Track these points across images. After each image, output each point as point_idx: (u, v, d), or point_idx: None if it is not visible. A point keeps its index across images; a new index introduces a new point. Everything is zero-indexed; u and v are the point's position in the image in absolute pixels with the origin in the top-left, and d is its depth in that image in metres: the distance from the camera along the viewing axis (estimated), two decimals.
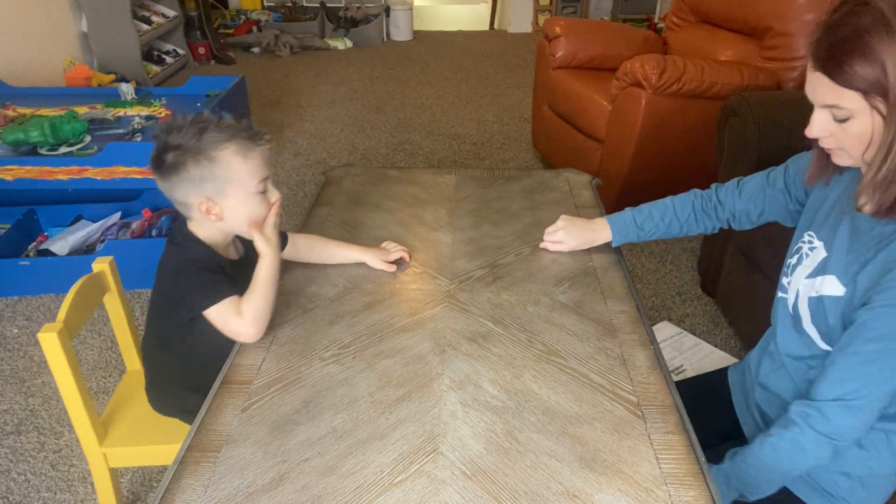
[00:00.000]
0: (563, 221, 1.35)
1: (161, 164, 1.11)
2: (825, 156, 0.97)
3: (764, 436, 0.97)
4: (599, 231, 1.33)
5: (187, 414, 1.30)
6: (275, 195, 1.18)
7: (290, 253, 1.35)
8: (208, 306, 1.10)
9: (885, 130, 0.83)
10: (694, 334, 2.08)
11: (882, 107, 0.82)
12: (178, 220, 1.24)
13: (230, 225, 1.18)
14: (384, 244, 1.37)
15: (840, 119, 0.86)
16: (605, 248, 1.38)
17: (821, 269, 0.99)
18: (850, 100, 0.83)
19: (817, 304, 0.98)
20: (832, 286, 0.95)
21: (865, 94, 0.82)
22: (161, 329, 1.28)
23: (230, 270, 1.20)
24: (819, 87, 0.86)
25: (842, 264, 0.95)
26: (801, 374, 1.03)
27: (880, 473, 1.00)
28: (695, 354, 1.97)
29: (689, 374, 1.90)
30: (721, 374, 1.27)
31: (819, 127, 0.89)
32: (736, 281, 2.04)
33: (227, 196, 1.13)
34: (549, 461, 0.87)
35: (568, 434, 0.92)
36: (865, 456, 0.99)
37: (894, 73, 0.79)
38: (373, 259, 1.32)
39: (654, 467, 0.87)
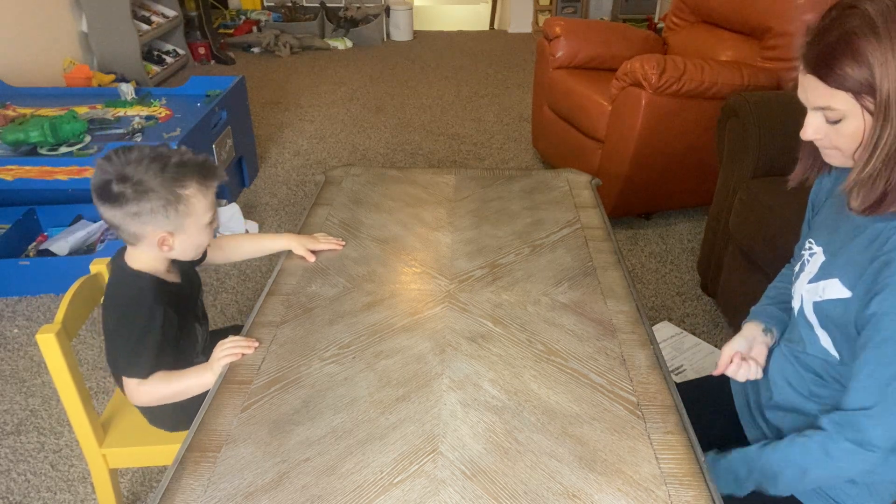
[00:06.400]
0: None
1: (109, 194, 1.09)
2: (810, 157, 1.01)
3: (797, 434, 0.96)
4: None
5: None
6: (217, 221, 1.21)
7: (218, 256, 1.38)
8: (128, 374, 1.15)
9: (872, 128, 0.85)
10: (694, 334, 2.08)
11: (871, 106, 0.84)
12: (116, 254, 1.25)
13: (176, 255, 1.19)
14: (316, 234, 1.39)
15: (832, 120, 0.89)
16: (605, 247, 1.38)
17: (822, 274, 0.99)
18: (842, 101, 0.86)
19: (822, 308, 0.98)
20: (836, 289, 0.96)
21: (856, 94, 0.84)
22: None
23: (175, 298, 1.22)
24: (811, 90, 0.89)
25: (840, 266, 0.96)
26: (809, 380, 1.03)
27: (887, 480, 0.99)
28: (695, 354, 1.97)
29: (689, 374, 1.90)
30: (721, 376, 1.26)
31: (813, 129, 0.92)
32: (736, 281, 2.04)
33: (184, 231, 1.15)
34: (549, 461, 0.87)
35: (568, 434, 0.92)
36: None
37: (881, 73, 0.82)
38: (297, 245, 1.34)
39: (654, 467, 0.87)
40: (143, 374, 1.15)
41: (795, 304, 1.06)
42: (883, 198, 0.88)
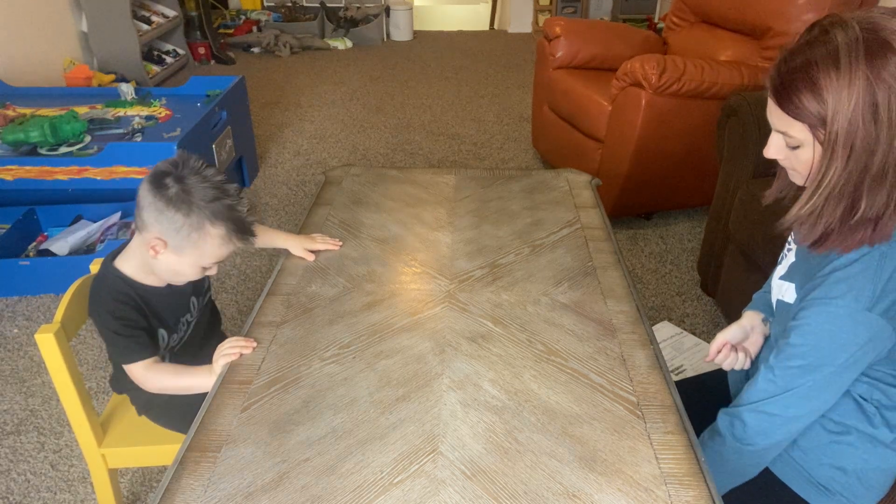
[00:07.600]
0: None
1: (159, 181, 1.11)
2: (787, 175, 1.01)
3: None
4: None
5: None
6: (213, 271, 1.21)
7: None
8: (124, 363, 1.19)
9: (819, 163, 0.85)
10: (694, 334, 2.08)
11: (823, 140, 0.83)
12: (111, 250, 1.26)
13: (155, 265, 1.19)
14: (314, 235, 1.39)
15: (791, 146, 0.89)
16: (605, 247, 1.38)
17: (788, 275, 1.02)
18: (798, 130, 0.85)
19: (780, 307, 1.02)
20: (790, 293, 0.98)
21: (811, 126, 0.83)
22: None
23: (152, 302, 1.22)
24: (773, 113, 0.88)
25: (800, 273, 0.98)
26: None
27: (877, 468, 1.00)
28: (695, 354, 1.97)
29: (689, 374, 1.90)
30: (721, 374, 1.27)
31: (775, 149, 0.92)
32: (736, 281, 2.04)
33: (179, 253, 1.15)
34: (549, 461, 0.87)
35: (568, 434, 0.92)
36: (859, 451, 0.99)
37: (833, 110, 0.80)
38: (295, 246, 1.35)
39: (654, 467, 0.87)
40: (138, 357, 1.17)
41: (771, 295, 1.09)
42: (825, 238, 0.87)
